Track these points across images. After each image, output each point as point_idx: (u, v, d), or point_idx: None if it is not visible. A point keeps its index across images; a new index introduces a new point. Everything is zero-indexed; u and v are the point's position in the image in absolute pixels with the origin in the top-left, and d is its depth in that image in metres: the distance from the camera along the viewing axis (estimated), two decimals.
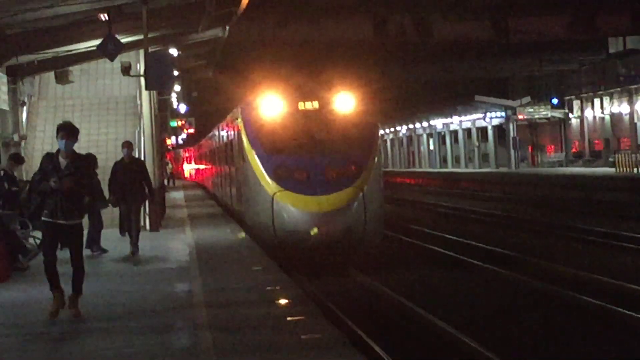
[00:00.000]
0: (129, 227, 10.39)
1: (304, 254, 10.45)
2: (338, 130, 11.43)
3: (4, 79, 12.57)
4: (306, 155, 10.92)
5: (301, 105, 11.53)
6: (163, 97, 20.47)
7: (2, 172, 9.65)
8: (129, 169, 10.24)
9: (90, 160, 7.70)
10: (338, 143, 11.22)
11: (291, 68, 25.96)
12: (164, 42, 15.68)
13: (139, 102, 15.28)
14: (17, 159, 10.72)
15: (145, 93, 14.46)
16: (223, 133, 17.25)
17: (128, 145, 10.58)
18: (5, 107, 12.82)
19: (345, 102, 11.51)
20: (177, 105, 30.53)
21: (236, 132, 13.07)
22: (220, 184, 19.87)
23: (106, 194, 10.22)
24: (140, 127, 15.01)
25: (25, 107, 14.82)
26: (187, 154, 50.84)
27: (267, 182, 10.86)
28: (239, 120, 12.51)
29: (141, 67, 13.48)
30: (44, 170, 5.84)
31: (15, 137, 13.72)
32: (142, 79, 12.89)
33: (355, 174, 10.83)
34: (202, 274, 8.26)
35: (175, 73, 17.41)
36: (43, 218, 5.78)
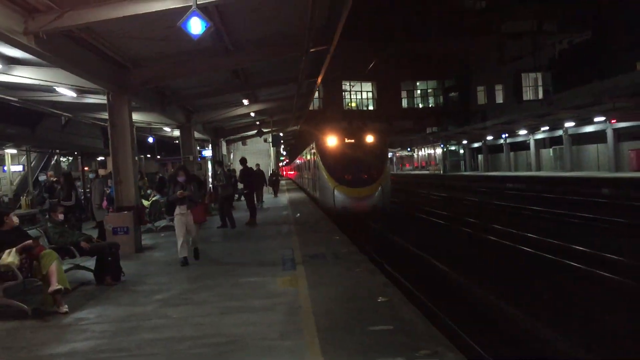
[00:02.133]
0: (259, 198, 33.49)
1: (349, 218, 18.02)
2: (367, 152, 19.34)
3: (225, 145, 37.90)
4: (350, 167, 18.86)
5: (347, 140, 19.85)
6: (276, 147, 45.86)
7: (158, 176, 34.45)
8: (258, 174, 33.80)
9: (197, 177, 13.35)
10: (367, 159, 19.09)
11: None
12: (275, 125, 40.55)
13: (270, 152, 40.44)
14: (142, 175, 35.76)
15: (271, 148, 39.59)
16: (307, 156, 29.28)
17: (257, 165, 34.60)
18: (225, 153, 38.16)
19: (370, 137, 19.84)
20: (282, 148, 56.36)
21: (314, 154, 22.24)
22: (306, 182, 32.15)
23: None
24: (270, 160, 40.05)
25: (232, 154, 40.25)
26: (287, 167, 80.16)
27: (331, 181, 18.83)
28: (315, 149, 21.66)
29: (269, 138, 38.61)
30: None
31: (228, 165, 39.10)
32: (270, 143, 37.95)
33: (376, 176, 18.65)
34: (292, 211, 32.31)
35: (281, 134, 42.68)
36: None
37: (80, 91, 16.24)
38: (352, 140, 19.85)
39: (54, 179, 13.73)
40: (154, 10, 9.05)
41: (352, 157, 19.22)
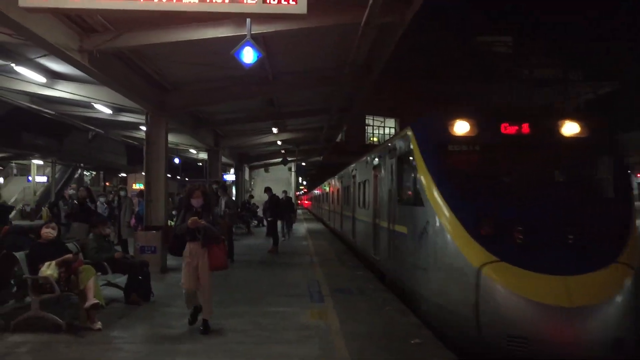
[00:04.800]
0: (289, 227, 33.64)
1: None
2: (573, 170, 8.06)
3: (248, 170, 38.15)
4: (530, 207, 7.00)
5: (511, 130, 7.84)
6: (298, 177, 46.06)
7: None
8: (285, 202, 34.03)
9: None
10: (577, 190, 7.67)
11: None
12: (300, 155, 40.82)
13: (291, 180, 40.68)
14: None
15: (293, 175, 39.79)
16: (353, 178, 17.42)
17: (285, 192, 34.90)
18: (247, 178, 38.39)
19: (575, 127, 7.84)
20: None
21: (391, 170, 10.40)
22: (340, 221, 22.37)
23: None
24: (291, 188, 40.23)
25: (252, 180, 40.49)
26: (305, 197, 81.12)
27: (468, 245, 6.81)
28: (397, 157, 9.74)
29: (293, 167, 38.85)
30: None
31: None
32: (293, 171, 38.14)
33: (616, 241, 6.60)
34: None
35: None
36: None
37: (118, 109, 16.57)
38: (528, 135, 8.01)
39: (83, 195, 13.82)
40: (207, 37, 9.27)
41: (532, 181, 7.87)
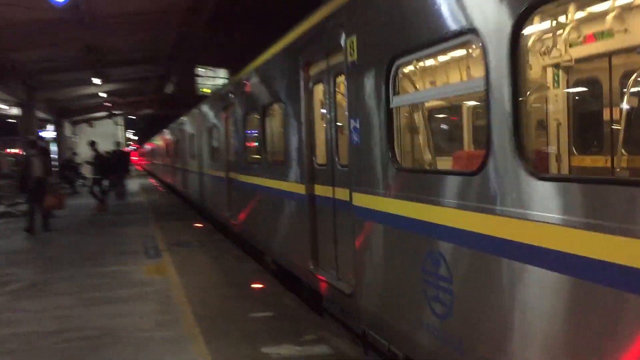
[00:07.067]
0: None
1: None
2: None
3: (70, 126, 35.21)
4: None
5: None
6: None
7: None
8: (119, 156, 32.46)
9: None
10: None
11: None
12: (128, 108, 38.50)
13: (119, 136, 38.27)
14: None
15: (121, 129, 37.46)
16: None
17: (119, 144, 33.04)
18: (70, 135, 35.46)
19: None
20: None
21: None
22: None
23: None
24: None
25: (78, 137, 37.47)
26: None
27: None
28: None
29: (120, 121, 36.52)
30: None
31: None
32: (121, 125, 35.90)
33: None
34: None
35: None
36: None
37: None
38: None
39: None
40: None
41: None
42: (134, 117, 46.84)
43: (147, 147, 44.56)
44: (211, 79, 76.44)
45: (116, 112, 35.18)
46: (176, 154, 21.55)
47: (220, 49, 54.22)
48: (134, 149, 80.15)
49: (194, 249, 10.34)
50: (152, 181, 36.07)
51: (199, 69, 70.39)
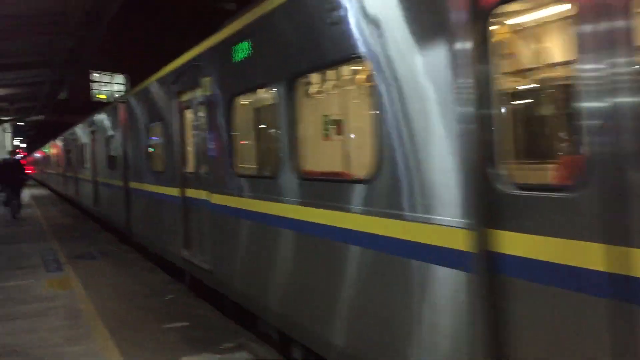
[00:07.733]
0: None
1: None
2: None
3: None
4: None
5: None
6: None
7: None
8: (12, 166, 30.46)
9: None
10: None
11: None
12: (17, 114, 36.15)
13: (5, 142, 35.84)
14: None
15: (8, 136, 35.09)
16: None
17: (12, 153, 30.98)
18: None
19: None
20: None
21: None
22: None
23: None
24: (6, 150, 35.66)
25: None
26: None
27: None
28: None
29: (9, 128, 34.18)
30: None
31: None
32: (8, 132, 33.61)
33: None
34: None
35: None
36: None
37: None
38: None
39: None
40: None
41: None
42: (23, 124, 44.21)
43: (38, 155, 42.19)
44: (108, 84, 73.25)
45: (4, 118, 32.93)
46: (70, 163, 20.99)
47: (118, 53, 52.50)
48: (22, 157, 75.59)
49: (97, 261, 10.00)
50: (44, 190, 34.14)
51: (94, 74, 68.05)
